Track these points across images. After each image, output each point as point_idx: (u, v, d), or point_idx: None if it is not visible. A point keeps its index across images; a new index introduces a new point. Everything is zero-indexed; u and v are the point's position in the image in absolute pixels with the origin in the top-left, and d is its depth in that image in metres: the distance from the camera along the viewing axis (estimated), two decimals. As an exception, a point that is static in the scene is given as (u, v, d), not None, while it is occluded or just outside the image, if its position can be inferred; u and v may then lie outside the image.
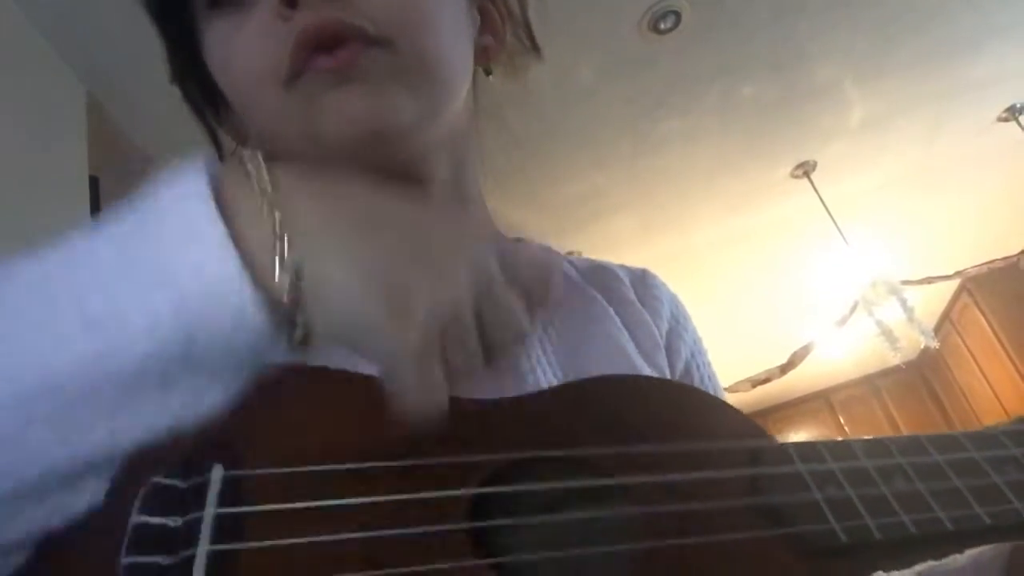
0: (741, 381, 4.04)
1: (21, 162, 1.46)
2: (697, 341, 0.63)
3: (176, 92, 0.59)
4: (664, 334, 0.60)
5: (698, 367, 0.61)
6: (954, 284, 4.30)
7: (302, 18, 0.47)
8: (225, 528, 0.28)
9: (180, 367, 0.29)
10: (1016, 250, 3.69)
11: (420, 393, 0.31)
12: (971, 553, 0.46)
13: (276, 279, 0.30)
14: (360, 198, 0.35)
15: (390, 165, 0.52)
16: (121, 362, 0.28)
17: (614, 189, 2.86)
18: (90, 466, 0.29)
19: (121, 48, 1.58)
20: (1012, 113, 3.01)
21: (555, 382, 0.48)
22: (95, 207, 1.64)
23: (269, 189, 0.32)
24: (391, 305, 0.31)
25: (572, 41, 2.12)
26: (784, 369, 3.87)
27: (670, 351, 0.60)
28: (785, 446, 0.38)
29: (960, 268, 3.66)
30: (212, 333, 0.29)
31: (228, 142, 0.62)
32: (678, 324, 0.62)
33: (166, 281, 0.29)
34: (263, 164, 0.33)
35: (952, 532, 0.35)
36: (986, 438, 0.40)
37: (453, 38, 0.54)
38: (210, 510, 0.29)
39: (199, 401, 0.30)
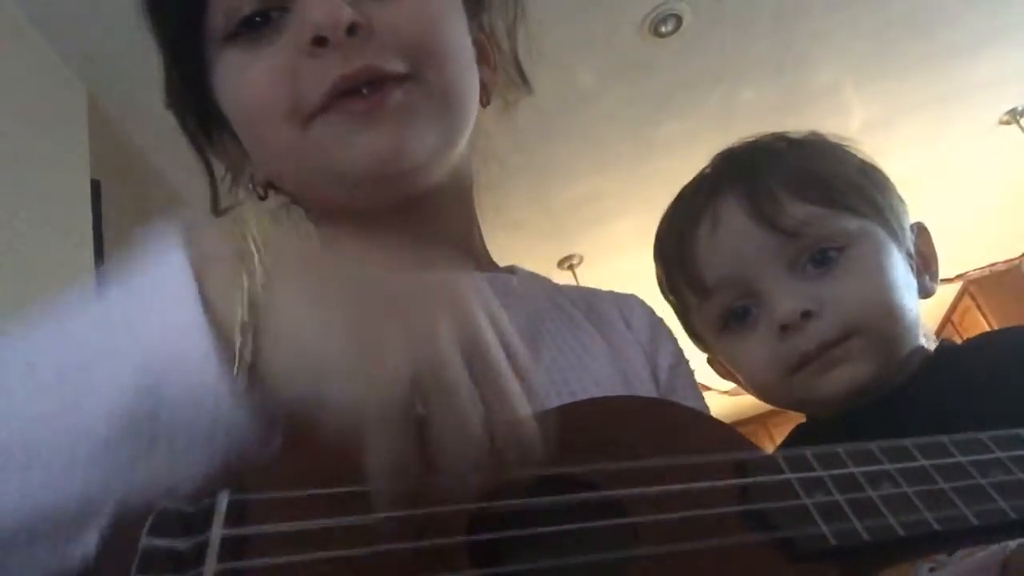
0: (742, 384, 4.03)
1: (22, 165, 1.46)
2: (679, 355, 0.66)
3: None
4: (649, 354, 0.63)
5: (678, 376, 0.63)
6: (956, 287, 4.31)
7: (333, 61, 0.48)
8: (231, 549, 0.29)
9: (150, 426, 0.29)
10: (1018, 253, 3.69)
11: (388, 454, 0.28)
12: (962, 554, 0.47)
13: (236, 328, 0.30)
14: (339, 258, 0.35)
15: (400, 197, 0.53)
16: (89, 413, 0.28)
17: (615, 192, 2.86)
18: (61, 523, 0.28)
19: (122, 49, 1.59)
20: (1013, 116, 3.01)
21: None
22: (96, 211, 1.64)
23: (246, 244, 0.32)
24: (358, 349, 0.29)
25: (573, 45, 2.12)
26: (785, 372, 3.86)
27: (655, 368, 0.62)
28: (773, 456, 0.39)
29: (962, 271, 3.66)
30: (177, 386, 0.29)
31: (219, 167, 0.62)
32: (659, 342, 0.65)
33: (135, 334, 0.29)
34: (250, 223, 0.33)
35: (939, 533, 0.36)
36: (971, 442, 0.41)
37: (470, 69, 0.56)
38: (217, 532, 0.29)
39: (175, 468, 0.30)
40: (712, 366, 0.86)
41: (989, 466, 0.39)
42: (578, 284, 3.13)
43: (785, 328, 0.69)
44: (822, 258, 0.71)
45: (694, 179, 0.82)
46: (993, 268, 3.76)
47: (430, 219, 0.55)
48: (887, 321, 0.69)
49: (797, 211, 0.71)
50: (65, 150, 1.64)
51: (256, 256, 0.32)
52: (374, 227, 0.55)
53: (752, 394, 0.81)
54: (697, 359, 0.79)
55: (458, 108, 0.53)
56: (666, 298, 0.85)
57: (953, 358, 0.72)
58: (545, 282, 0.66)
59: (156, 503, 0.29)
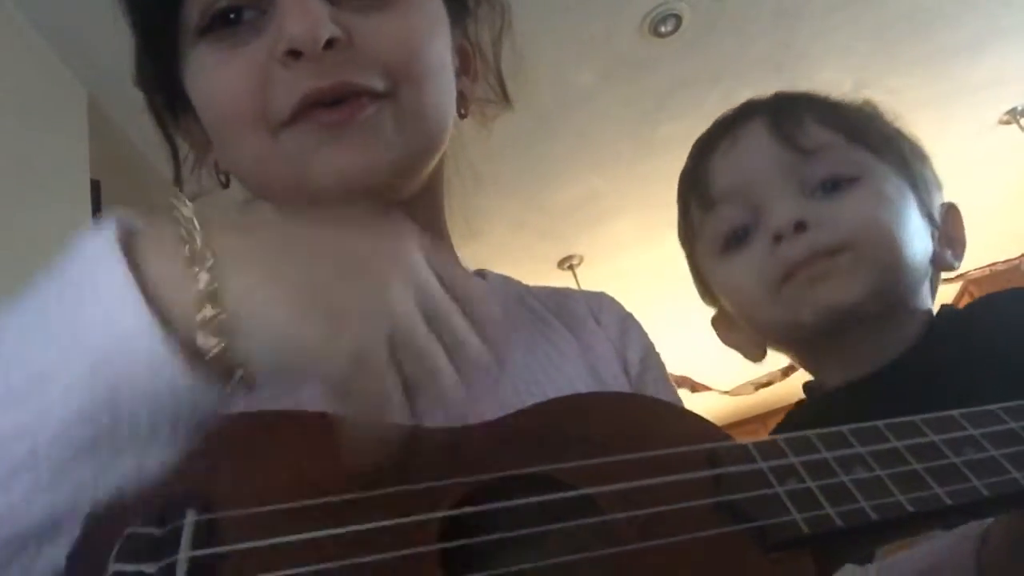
0: (743, 384, 4.03)
1: (22, 166, 1.46)
2: (649, 349, 0.65)
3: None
4: (619, 349, 0.62)
5: (648, 369, 0.63)
6: (956, 287, 4.30)
7: (307, 72, 0.47)
8: (200, 570, 0.29)
9: (112, 428, 0.28)
10: (1018, 253, 3.69)
11: (369, 410, 0.30)
12: (944, 534, 0.47)
13: (193, 318, 0.29)
14: (282, 226, 0.34)
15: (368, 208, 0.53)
16: (47, 431, 0.27)
17: (614, 192, 2.86)
18: (38, 535, 0.28)
19: (122, 50, 1.58)
20: (1013, 116, 3.01)
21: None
22: (96, 211, 1.64)
23: (187, 231, 0.31)
24: (322, 319, 0.30)
25: (572, 44, 2.12)
26: (786, 372, 3.86)
27: (625, 363, 0.61)
28: (745, 445, 0.38)
29: (962, 271, 3.65)
30: (132, 386, 0.28)
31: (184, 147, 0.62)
32: (629, 337, 0.64)
33: (80, 341, 0.28)
34: (188, 207, 0.32)
35: (912, 515, 0.35)
36: (943, 420, 0.41)
37: (448, 88, 0.55)
38: (184, 554, 0.29)
39: (146, 460, 0.29)
40: (715, 327, 0.83)
41: (962, 444, 0.39)
42: (578, 284, 3.13)
43: (778, 238, 0.67)
44: (833, 185, 0.69)
45: (722, 115, 0.82)
46: (993, 268, 3.76)
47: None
48: (884, 244, 0.67)
49: (819, 134, 0.70)
50: (65, 150, 1.64)
51: (198, 237, 0.31)
52: None
53: (748, 332, 0.78)
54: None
55: (431, 128, 0.53)
56: (680, 241, 0.83)
57: (955, 323, 0.70)
58: (515, 284, 0.66)
59: (129, 502, 0.29)
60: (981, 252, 3.74)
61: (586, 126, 2.48)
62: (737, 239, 0.71)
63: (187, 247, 0.30)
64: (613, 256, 3.19)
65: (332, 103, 0.47)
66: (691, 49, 2.27)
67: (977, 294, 4.36)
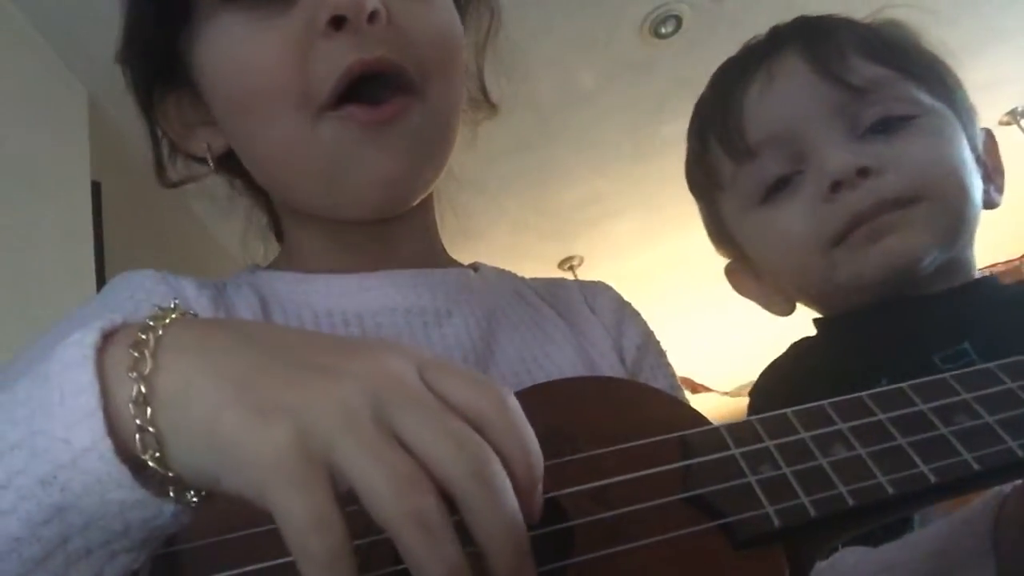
0: (744, 385, 4.03)
1: (22, 166, 1.46)
2: (648, 336, 0.63)
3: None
4: (614, 337, 0.61)
5: (646, 356, 0.61)
6: (956, 288, 4.29)
7: (349, 45, 0.45)
8: None
9: (60, 542, 0.27)
10: (1018, 254, 3.68)
11: (305, 516, 0.24)
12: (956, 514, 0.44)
13: (133, 432, 0.27)
14: (250, 324, 0.32)
15: (382, 215, 0.52)
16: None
17: (615, 193, 2.86)
18: None
19: (123, 52, 1.58)
20: (1013, 117, 3.01)
21: None
22: (97, 212, 1.64)
23: (148, 334, 0.29)
24: (255, 410, 0.26)
25: (573, 45, 2.12)
26: (786, 373, 3.85)
27: (621, 350, 0.60)
28: (718, 430, 0.36)
29: (962, 272, 3.64)
30: (80, 503, 0.26)
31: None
32: (625, 325, 0.63)
33: (38, 453, 0.27)
34: (161, 320, 0.30)
35: (893, 497, 0.33)
36: (933, 385, 0.37)
37: (463, 87, 0.54)
38: None
39: (105, 569, 0.28)
40: (730, 277, 0.75)
41: (954, 411, 0.35)
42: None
43: (837, 185, 0.59)
44: (885, 126, 0.61)
45: (746, 44, 0.73)
46: (993, 269, 3.76)
47: (395, 222, 0.55)
48: (958, 192, 0.60)
49: (867, 70, 0.63)
50: (66, 151, 1.63)
51: (152, 339, 0.28)
52: (341, 223, 0.54)
53: (781, 287, 0.69)
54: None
55: (452, 131, 0.52)
56: (692, 185, 0.74)
57: (996, 290, 0.64)
58: (510, 276, 0.65)
59: None
60: (982, 252, 3.72)
61: (587, 127, 2.48)
62: (779, 187, 0.64)
63: (135, 353, 0.28)
64: (614, 257, 3.19)
65: (367, 100, 0.46)
66: (691, 50, 2.26)
67: (977, 295, 4.35)
